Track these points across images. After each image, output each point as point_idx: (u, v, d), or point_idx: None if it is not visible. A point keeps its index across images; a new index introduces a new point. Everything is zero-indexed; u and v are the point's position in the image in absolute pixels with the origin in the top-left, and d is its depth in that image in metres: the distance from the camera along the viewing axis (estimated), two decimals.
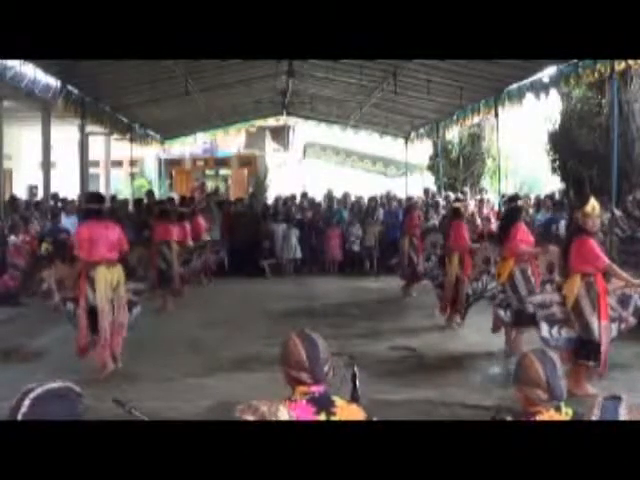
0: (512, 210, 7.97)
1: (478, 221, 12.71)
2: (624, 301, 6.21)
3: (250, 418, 2.26)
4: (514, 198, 8.46)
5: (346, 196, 16.71)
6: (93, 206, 7.24)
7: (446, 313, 9.29)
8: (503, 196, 15.03)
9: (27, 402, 2.08)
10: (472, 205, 14.50)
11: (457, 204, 9.84)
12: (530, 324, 7.37)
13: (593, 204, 6.23)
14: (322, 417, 2.37)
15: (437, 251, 11.75)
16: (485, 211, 14.20)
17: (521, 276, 7.48)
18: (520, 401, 2.62)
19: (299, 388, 2.43)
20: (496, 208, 14.20)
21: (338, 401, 2.45)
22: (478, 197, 16.22)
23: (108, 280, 6.90)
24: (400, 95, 13.42)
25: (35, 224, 12.93)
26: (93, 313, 6.91)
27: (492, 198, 16.09)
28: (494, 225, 11.57)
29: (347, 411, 2.42)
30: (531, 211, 13.54)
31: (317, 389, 2.42)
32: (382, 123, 17.82)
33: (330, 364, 2.51)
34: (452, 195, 16.48)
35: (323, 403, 2.40)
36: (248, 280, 13.80)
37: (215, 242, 13.54)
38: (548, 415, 2.53)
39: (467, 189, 17.75)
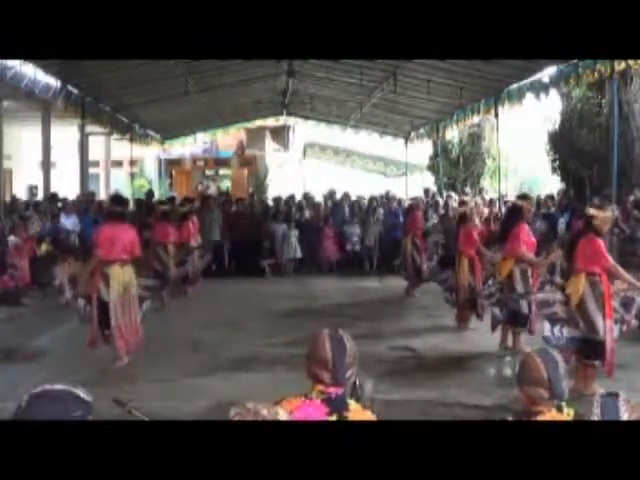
0: (515, 210, 7.85)
1: (477, 221, 12.66)
2: (627, 303, 6.20)
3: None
4: (522, 197, 8.24)
5: (346, 196, 16.71)
6: (117, 209, 7.65)
7: (462, 319, 9.15)
8: (503, 197, 15.04)
9: (25, 398, 2.09)
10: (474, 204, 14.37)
11: (463, 208, 9.64)
12: (525, 324, 7.40)
13: (612, 211, 6.33)
14: (333, 418, 2.37)
15: (439, 251, 11.77)
16: (494, 211, 14.13)
17: (520, 276, 7.46)
18: (522, 401, 2.62)
19: (317, 387, 2.44)
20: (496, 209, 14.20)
21: (352, 405, 2.45)
22: (478, 198, 16.20)
23: (121, 278, 7.28)
24: (400, 95, 13.44)
25: (35, 224, 12.93)
26: (105, 309, 7.24)
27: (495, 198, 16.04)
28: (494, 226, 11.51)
29: (360, 416, 2.41)
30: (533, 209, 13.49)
31: (334, 391, 2.42)
32: (382, 123, 17.83)
33: (354, 370, 2.51)
34: (454, 195, 16.46)
35: (337, 405, 2.40)
36: (248, 280, 13.79)
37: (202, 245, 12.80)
38: (550, 415, 2.53)
39: (469, 189, 17.74)
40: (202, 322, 9.54)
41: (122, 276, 7.28)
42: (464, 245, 8.94)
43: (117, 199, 8.19)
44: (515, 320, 7.51)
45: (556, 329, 6.17)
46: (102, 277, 7.23)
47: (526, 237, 7.52)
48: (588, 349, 6.12)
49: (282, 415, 2.29)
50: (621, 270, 6.29)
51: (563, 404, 2.59)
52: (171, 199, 14.07)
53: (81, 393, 2.16)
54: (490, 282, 8.13)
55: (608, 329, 6.04)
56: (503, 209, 14.12)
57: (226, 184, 23.99)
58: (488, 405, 5.73)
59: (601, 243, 6.17)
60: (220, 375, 6.92)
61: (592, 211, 6.24)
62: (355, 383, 2.86)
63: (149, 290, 8.00)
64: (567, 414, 2.56)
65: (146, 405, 4.05)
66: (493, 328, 7.86)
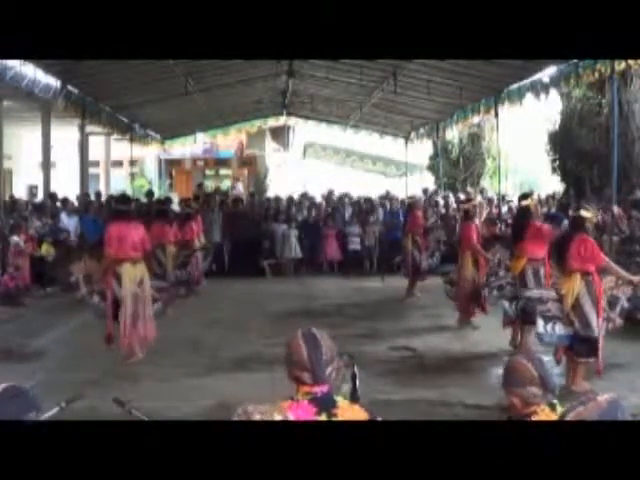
0: (524, 209, 7.84)
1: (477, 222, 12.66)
2: (612, 302, 6.43)
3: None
4: (526, 196, 8.18)
5: (346, 196, 16.70)
6: (122, 207, 7.76)
7: (464, 314, 9.17)
8: (504, 197, 15.03)
9: None
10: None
11: (467, 205, 9.71)
12: (532, 320, 7.37)
13: (594, 211, 6.64)
14: (323, 417, 2.36)
15: (441, 247, 11.81)
16: (494, 211, 14.11)
17: (532, 274, 7.46)
18: (515, 405, 2.60)
19: (302, 388, 2.43)
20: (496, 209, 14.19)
21: (340, 402, 2.44)
22: (479, 197, 16.19)
23: (132, 276, 7.41)
24: (400, 95, 13.42)
25: (35, 224, 12.94)
26: (118, 306, 7.40)
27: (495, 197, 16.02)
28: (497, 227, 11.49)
29: (349, 412, 2.41)
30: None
31: (319, 389, 2.41)
32: (382, 123, 17.82)
33: (334, 365, 2.49)
34: (452, 195, 16.48)
35: (325, 404, 2.39)
36: (248, 280, 13.79)
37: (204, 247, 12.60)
38: (544, 414, 2.53)
39: (471, 189, 17.70)
40: (202, 322, 9.54)
41: (134, 273, 7.42)
42: (467, 241, 9.02)
43: (121, 198, 8.25)
44: (527, 317, 7.48)
45: (549, 326, 6.31)
46: (114, 275, 7.38)
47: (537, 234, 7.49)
48: (583, 347, 6.25)
49: (277, 419, 2.29)
50: (614, 266, 6.57)
51: (556, 402, 2.59)
52: (167, 199, 13.99)
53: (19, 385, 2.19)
54: (501, 274, 8.14)
55: (600, 327, 6.23)
56: (503, 209, 14.15)
57: (226, 184, 24.00)
58: (488, 405, 5.72)
59: (593, 242, 6.36)
60: (220, 375, 6.92)
61: (584, 213, 6.49)
62: (355, 384, 2.86)
63: (160, 291, 8.16)
64: (559, 412, 2.56)
65: (146, 405, 4.05)
66: (505, 325, 7.84)
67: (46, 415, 2.51)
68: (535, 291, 6.84)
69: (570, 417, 2.43)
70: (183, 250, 11.06)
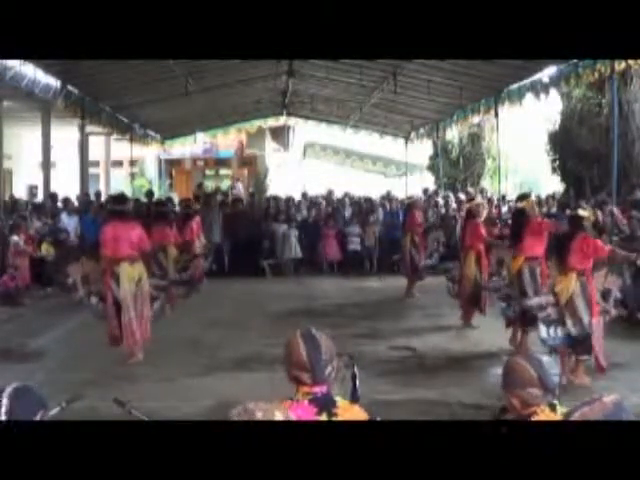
0: (520, 211, 7.88)
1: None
2: (605, 295, 6.75)
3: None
4: (523, 198, 8.21)
5: (346, 196, 16.69)
6: (118, 207, 7.73)
7: (466, 313, 9.20)
8: (504, 197, 15.02)
9: (5, 401, 2.08)
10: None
11: (471, 204, 9.76)
12: (532, 324, 7.40)
13: (591, 210, 7.01)
14: (323, 417, 2.36)
15: (440, 248, 11.81)
16: (494, 211, 14.10)
17: (529, 275, 7.49)
18: (514, 406, 2.61)
19: (302, 388, 2.43)
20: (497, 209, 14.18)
21: (340, 402, 2.44)
22: (479, 198, 16.16)
23: (131, 275, 7.41)
24: (400, 95, 13.43)
25: (35, 224, 12.94)
26: (119, 306, 7.40)
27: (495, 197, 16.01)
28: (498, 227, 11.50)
29: (349, 412, 2.41)
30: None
31: (319, 389, 2.41)
32: (382, 123, 17.82)
33: (333, 365, 2.49)
34: (452, 196, 16.47)
35: (325, 404, 2.39)
36: (248, 280, 13.79)
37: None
38: (544, 415, 2.53)
39: (471, 189, 17.70)
40: (202, 322, 9.54)
41: (132, 273, 7.41)
42: (472, 239, 9.01)
43: (117, 198, 8.21)
44: (523, 319, 7.50)
45: (551, 330, 6.46)
46: (112, 276, 7.37)
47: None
48: (578, 345, 6.40)
49: (278, 418, 2.28)
50: (618, 250, 6.97)
51: (556, 403, 2.59)
52: (168, 200, 13.96)
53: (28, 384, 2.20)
54: (504, 274, 8.21)
55: (596, 326, 6.38)
56: (503, 209, 14.14)
57: (226, 184, 24.02)
58: (488, 405, 5.72)
59: (593, 239, 6.58)
60: (220, 375, 6.92)
61: (582, 212, 6.78)
62: (355, 384, 2.86)
63: (160, 290, 8.19)
64: (561, 413, 2.56)
65: (146, 405, 4.05)
66: (507, 326, 7.90)
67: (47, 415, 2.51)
68: (535, 299, 6.95)
69: (575, 417, 2.42)
70: (184, 254, 10.97)
